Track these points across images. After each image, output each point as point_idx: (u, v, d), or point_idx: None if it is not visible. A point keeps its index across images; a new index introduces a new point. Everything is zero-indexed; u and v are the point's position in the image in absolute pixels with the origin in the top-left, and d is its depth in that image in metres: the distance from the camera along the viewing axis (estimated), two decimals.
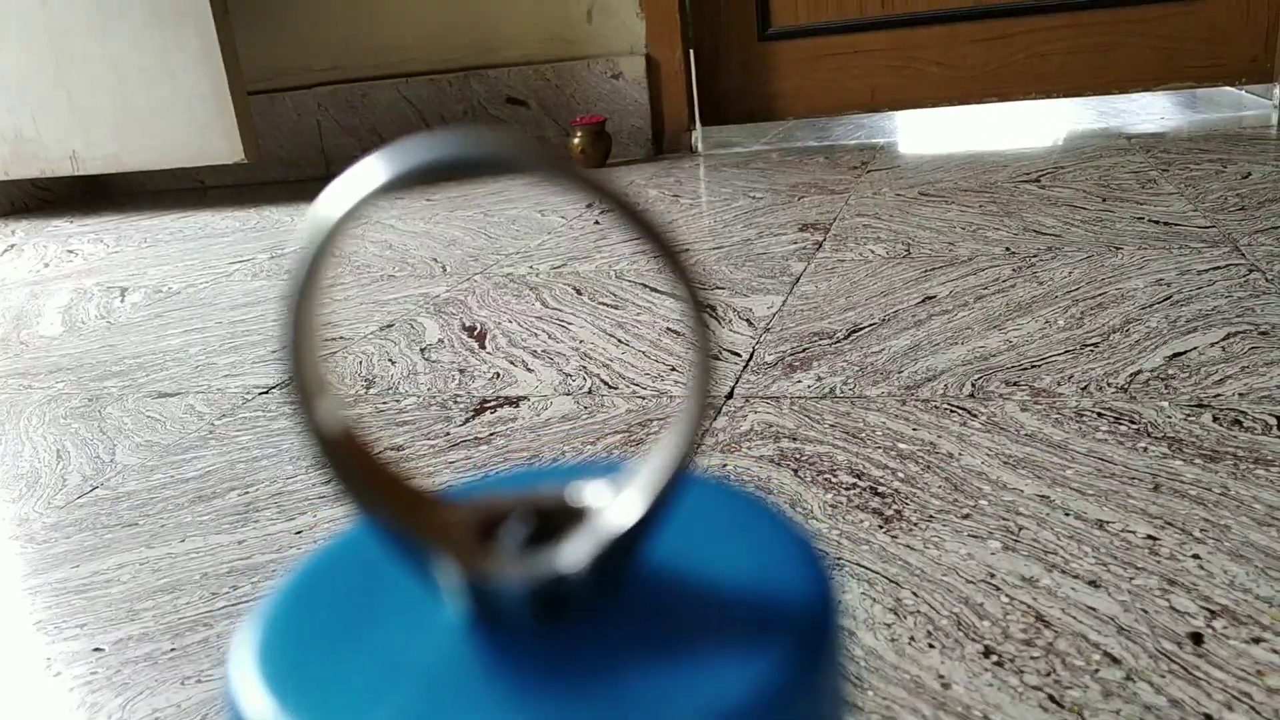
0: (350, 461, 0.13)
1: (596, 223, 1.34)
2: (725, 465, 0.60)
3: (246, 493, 0.64)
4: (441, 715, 0.12)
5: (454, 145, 0.11)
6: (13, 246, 1.73)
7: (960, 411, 0.64)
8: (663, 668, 0.12)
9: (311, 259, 0.12)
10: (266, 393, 0.83)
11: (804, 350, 0.78)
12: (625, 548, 0.13)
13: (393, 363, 0.86)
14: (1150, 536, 0.48)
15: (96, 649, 0.48)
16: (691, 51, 1.91)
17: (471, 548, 0.13)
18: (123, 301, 1.23)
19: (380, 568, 0.15)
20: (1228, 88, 1.78)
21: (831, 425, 0.64)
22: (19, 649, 0.49)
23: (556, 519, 0.14)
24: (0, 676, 0.47)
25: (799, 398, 0.69)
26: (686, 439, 0.13)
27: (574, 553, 0.13)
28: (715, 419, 0.67)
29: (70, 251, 1.62)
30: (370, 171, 0.12)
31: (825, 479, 0.57)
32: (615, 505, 0.13)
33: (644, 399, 0.72)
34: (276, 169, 2.20)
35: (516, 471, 0.16)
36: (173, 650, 0.47)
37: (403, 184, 0.11)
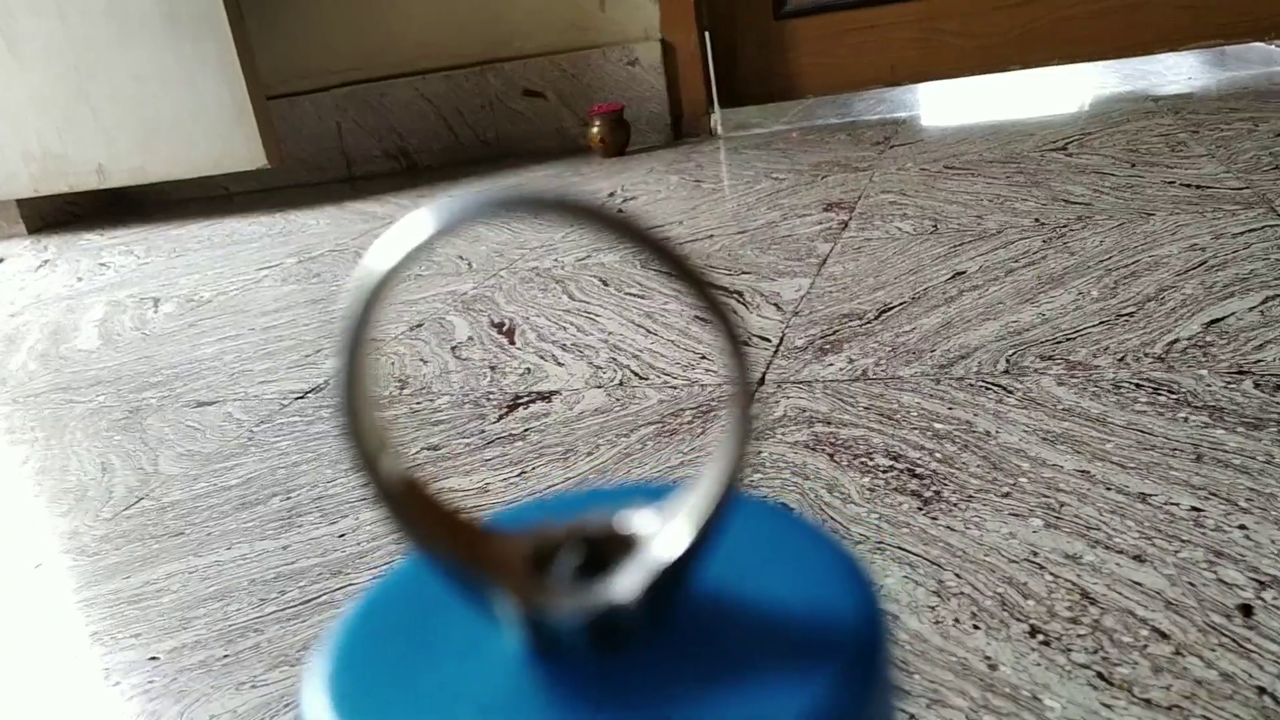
0: (414, 511, 0.13)
1: (619, 211, 1.34)
2: (760, 452, 0.60)
3: (289, 498, 0.65)
4: None
5: (492, 198, 0.11)
6: (46, 262, 1.76)
7: (995, 388, 0.63)
8: (715, 696, 0.12)
9: (360, 315, 0.12)
10: (303, 397, 0.84)
11: (834, 333, 0.78)
12: (675, 577, 0.14)
13: (425, 362, 0.87)
14: (1194, 508, 0.47)
15: (152, 658, 0.49)
16: (707, 34, 1.90)
17: (526, 580, 0.14)
18: (156, 312, 1.24)
19: (439, 599, 0.15)
20: (1258, 43, 1.75)
21: (866, 408, 0.64)
22: (78, 661, 0.50)
23: (606, 548, 0.14)
24: (62, 688, 0.48)
25: (831, 381, 0.69)
26: (732, 464, 0.13)
27: (626, 584, 0.13)
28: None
29: (102, 264, 1.65)
30: (416, 225, 0.12)
31: (862, 462, 0.57)
32: (664, 535, 0.14)
33: (675, 389, 0.72)
34: (299, 172, 2.22)
35: (564, 496, 0.17)
36: (225, 656, 0.48)
37: (446, 236, 0.12)
